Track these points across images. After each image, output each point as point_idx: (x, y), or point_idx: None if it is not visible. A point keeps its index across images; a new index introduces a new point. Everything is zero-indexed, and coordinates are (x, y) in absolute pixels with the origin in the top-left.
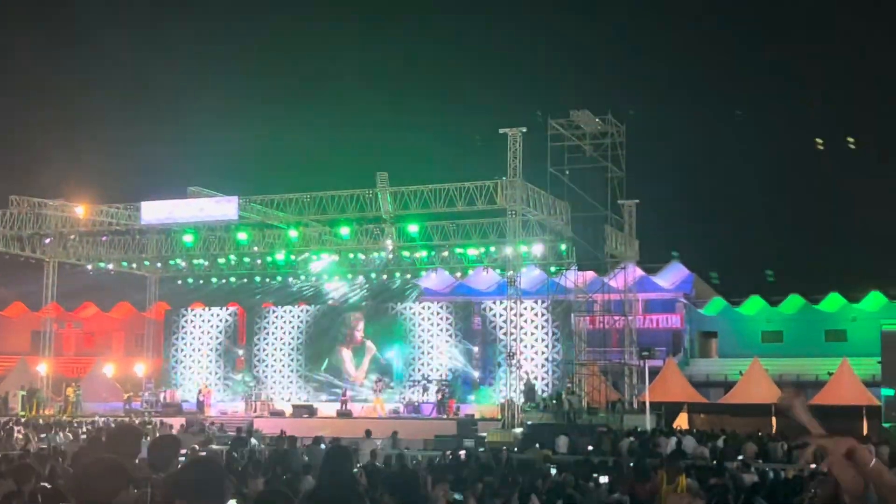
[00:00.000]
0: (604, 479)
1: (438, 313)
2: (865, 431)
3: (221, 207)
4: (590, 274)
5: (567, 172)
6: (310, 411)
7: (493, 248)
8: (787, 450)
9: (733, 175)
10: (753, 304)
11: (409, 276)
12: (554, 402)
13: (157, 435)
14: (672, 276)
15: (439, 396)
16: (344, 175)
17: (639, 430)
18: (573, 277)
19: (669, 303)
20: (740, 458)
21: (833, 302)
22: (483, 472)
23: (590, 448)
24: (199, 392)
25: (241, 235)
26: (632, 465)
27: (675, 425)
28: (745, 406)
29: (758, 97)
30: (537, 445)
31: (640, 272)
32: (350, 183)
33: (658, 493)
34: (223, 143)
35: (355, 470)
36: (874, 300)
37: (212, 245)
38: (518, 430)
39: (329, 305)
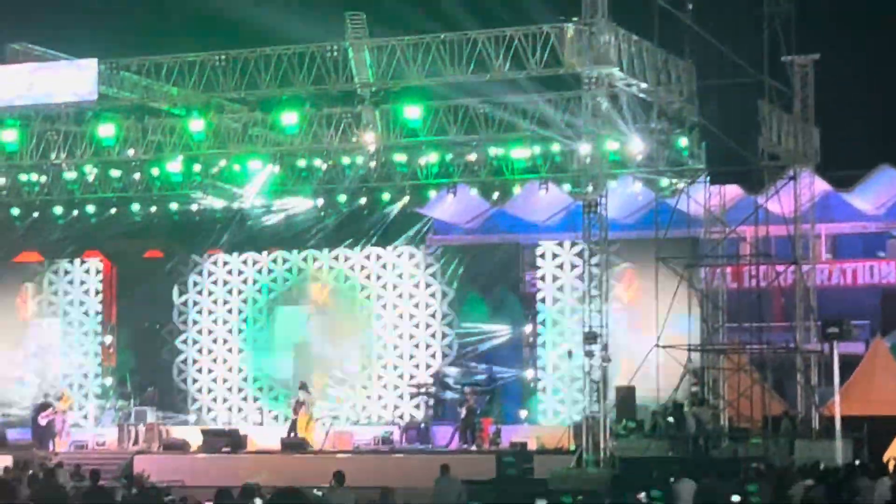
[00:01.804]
0: None
1: (459, 266)
2: None
3: (69, 79)
4: (733, 191)
5: (691, 6)
6: (233, 441)
7: (555, 147)
8: None
9: None
10: None
11: (405, 198)
12: (669, 418)
13: None
14: (880, 191)
15: (465, 413)
16: (288, 21)
17: (823, 467)
18: (703, 198)
19: (876, 240)
20: None
21: None
22: None
23: (735, 499)
24: (42, 408)
25: (105, 130)
26: None
27: (886, 458)
28: None
29: None
30: (641, 496)
31: (823, 186)
32: (299, 34)
33: None
34: None
35: None
36: None
37: (52, 147)
38: (607, 471)
39: (262, 252)
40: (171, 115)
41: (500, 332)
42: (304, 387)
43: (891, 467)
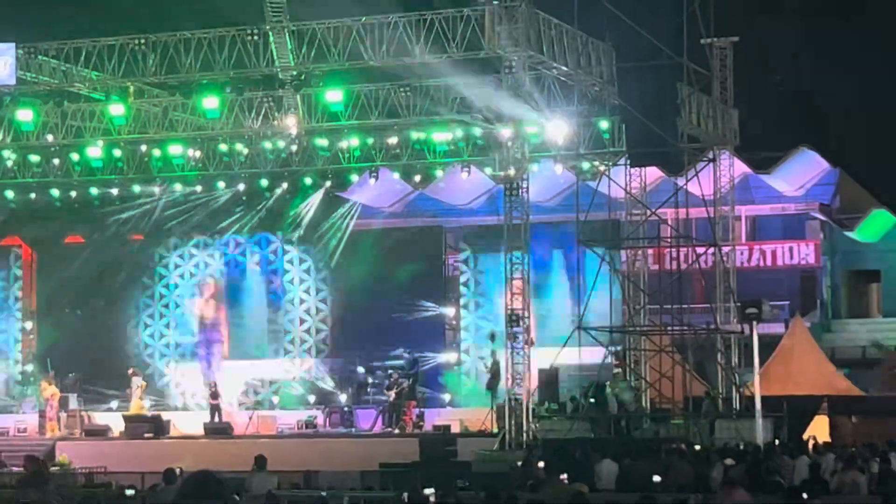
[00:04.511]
0: None
1: (383, 248)
2: None
3: None
4: (653, 173)
5: None
6: (156, 426)
7: (478, 132)
8: None
9: None
10: None
11: (328, 183)
12: (592, 400)
13: None
14: (799, 173)
15: (393, 396)
16: (207, 4)
17: (743, 446)
18: (624, 180)
19: (795, 221)
20: None
21: None
22: None
23: (656, 479)
24: None
25: (24, 115)
26: None
27: (806, 437)
28: None
29: None
30: (563, 477)
31: (742, 168)
32: (220, 17)
33: None
34: None
35: None
36: None
37: None
38: (528, 452)
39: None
40: (90, 99)
41: (427, 308)
42: (136, 373)
43: (810, 446)
